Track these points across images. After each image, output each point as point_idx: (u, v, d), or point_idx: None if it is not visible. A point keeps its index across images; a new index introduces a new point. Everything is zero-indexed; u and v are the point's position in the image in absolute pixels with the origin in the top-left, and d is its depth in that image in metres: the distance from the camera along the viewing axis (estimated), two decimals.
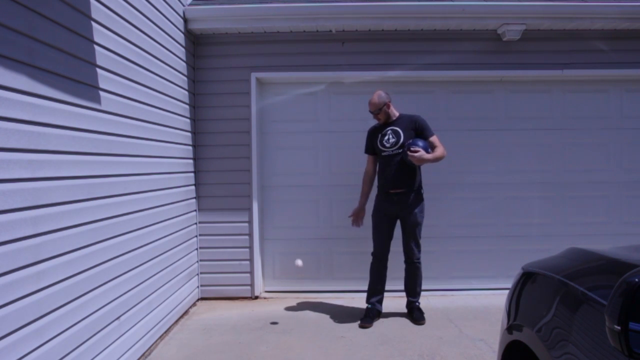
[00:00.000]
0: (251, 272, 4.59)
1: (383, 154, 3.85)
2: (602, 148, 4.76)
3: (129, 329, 3.05)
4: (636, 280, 1.10)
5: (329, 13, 4.35)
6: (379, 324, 3.85)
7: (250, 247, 4.57)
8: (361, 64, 4.58)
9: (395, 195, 3.80)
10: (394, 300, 4.32)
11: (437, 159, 3.73)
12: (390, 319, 3.98)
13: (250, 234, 4.56)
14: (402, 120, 3.86)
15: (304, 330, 3.74)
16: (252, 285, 4.60)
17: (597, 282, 1.55)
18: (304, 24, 4.40)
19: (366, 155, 4.07)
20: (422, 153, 3.60)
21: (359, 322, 3.85)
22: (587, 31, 4.57)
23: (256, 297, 4.60)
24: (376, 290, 3.98)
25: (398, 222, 3.95)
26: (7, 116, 1.97)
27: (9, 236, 1.96)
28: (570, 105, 4.75)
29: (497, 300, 4.28)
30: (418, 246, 3.88)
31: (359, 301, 4.31)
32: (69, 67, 2.42)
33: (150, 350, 3.38)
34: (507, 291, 2.06)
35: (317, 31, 4.51)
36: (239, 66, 4.58)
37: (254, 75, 4.56)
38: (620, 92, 4.75)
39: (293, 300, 4.53)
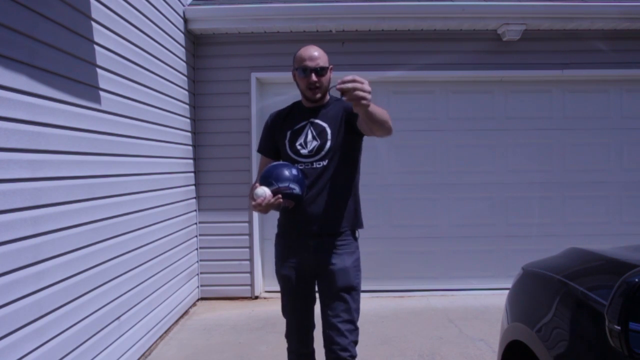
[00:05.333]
0: (251, 272, 4.59)
1: (296, 165, 2.05)
2: (602, 148, 4.76)
3: (129, 329, 3.04)
4: (636, 280, 1.10)
5: (329, 13, 4.35)
6: (380, 324, 3.85)
7: (250, 247, 4.57)
8: (361, 64, 4.58)
9: (315, 241, 2.05)
10: (394, 300, 4.32)
11: (384, 121, 1.83)
12: (390, 318, 3.98)
13: (250, 234, 4.56)
14: (332, 108, 2.12)
15: None
16: (252, 285, 4.60)
17: (597, 282, 1.56)
18: (304, 24, 4.40)
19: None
20: (358, 84, 1.63)
21: None
22: (587, 31, 4.57)
23: (256, 297, 4.60)
24: None
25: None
26: (7, 116, 1.97)
27: (9, 236, 1.96)
28: (570, 105, 4.75)
29: (497, 300, 4.28)
30: (352, 330, 2.04)
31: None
32: (69, 67, 2.42)
33: (150, 350, 3.38)
34: (507, 291, 2.06)
35: (317, 31, 4.51)
36: (239, 66, 4.58)
37: (254, 75, 4.56)
38: (620, 92, 4.75)
39: None
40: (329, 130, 2.08)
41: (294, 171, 1.95)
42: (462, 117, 4.73)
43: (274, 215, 2.23)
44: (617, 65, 4.60)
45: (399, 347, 3.36)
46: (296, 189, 1.93)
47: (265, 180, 1.91)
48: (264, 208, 1.86)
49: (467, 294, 4.61)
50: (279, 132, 2.15)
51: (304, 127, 2.11)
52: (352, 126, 2.04)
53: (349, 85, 1.61)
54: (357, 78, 1.62)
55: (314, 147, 2.06)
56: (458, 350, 3.29)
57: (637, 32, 4.56)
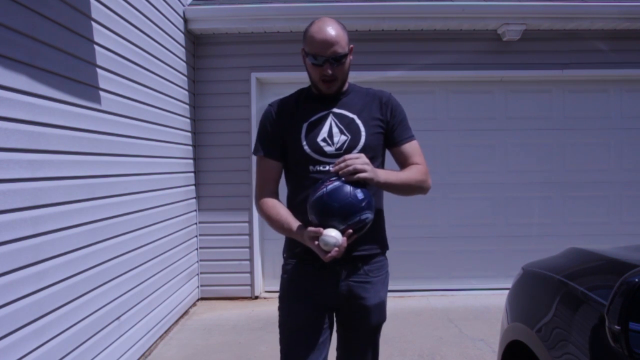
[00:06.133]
0: (251, 272, 4.58)
1: (316, 168, 1.62)
2: (602, 148, 4.76)
3: (129, 329, 3.04)
4: (636, 280, 1.10)
5: (329, 13, 4.34)
6: None
7: (250, 247, 4.57)
8: (361, 64, 4.56)
9: (345, 269, 1.64)
10: (394, 300, 4.32)
11: (409, 186, 1.65)
12: (390, 318, 3.97)
13: (250, 234, 4.56)
14: (355, 96, 1.72)
15: None
16: (252, 285, 4.60)
17: (597, 282, 1.56)
18: (304, 24, 4.33)
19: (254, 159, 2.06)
20: (360, 164, 1.49)
21: None
22: (587, 31, 4.57)
23: (256, 297, 4.60)
24: None
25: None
26: (7, 116, 1.97)
27: (9, 236, 1.96)
28: (570, 105, 4.75)
29: (497, 300, 4.28)
30: None
31: None
32: (69, 67, 2.42)
33: (150, 350, 3.38)
34: (507, 291, 2.06)
35: None
36: (239, 66, 4.58)
37: (254, 75, 4.56)
38: (620, 92, 4.75)
39: None
40: (359, 123, 1.64)
41: (359, 194, 1.44)
42: (462, 117, 4.73)
43: None
44: (617, 65, 4.60)
45: (399, 347, 3.36)
46: (369, 215, 1.47)
47: (326, 218, 1.44)
48: (340, 256, 1.44)
49: (467, 294, 4.61)
50: (290, 126, 1.65)
51: (323, 119, 1.64)
52: (388, 138, 1.70)
53: (342, 165, 1.47)
54: (348, 156, 1.49)
55: (343, 143, 1.60)
56: (458, 350, 3.29)
57: (637, 32, 4.55)
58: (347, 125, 1.63)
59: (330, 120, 1.65)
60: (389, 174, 1.57)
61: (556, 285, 1.64)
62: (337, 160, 1.50)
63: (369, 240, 1.63)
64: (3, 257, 1.93)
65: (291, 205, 1.66)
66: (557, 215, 4.75)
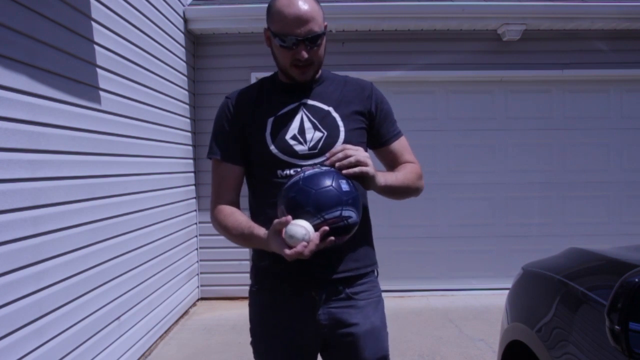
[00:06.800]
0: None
1: (285, 172, 1.32)
2: (602, 148, 4.76)
3: (129, 329, 3.04)
4: (636, 280, 1.10)
5: (329, 13, 4.29)
6: None
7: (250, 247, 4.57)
8: (361, 64, 4.58)
9: (324, 293, 1.32)
10: (394, 301, 4.32)
11: (408, 188, 1.39)
12: (391, 318, 3.97)
13: None
14: (330, 85, 1.42)
15: None
16: None
17: (597, 282, 1.55)
18: None
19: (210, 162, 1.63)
20: (363, 157, 1.22)
21: None
22: (587, 31, 4.57)
23: None
24: None
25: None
26: (7, 116, 1.96)
27: (9, 236, 1.96)
28: (570, 105, 4.75)
29: (497, 300, 4.28)
30: None
31: None
32: (69, 67, 2.42)
33: (150, 350, 3.38)
34: (507, 291, 2.06)
35: None
36: (239, 66, 4.58)
37: (254, 75, 4.55)
38: (620, 92, 4.75)
39: None
40: (336, 116, 1.35)
41: (344, 185, 1.16)
42: (462, 117, 4.73)
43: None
44: (617, 65, 4.60)
45: (399, 347, 3.36)
46: (352, 215, 1.16)
47: (297, 207, 1.13)
48: (308, 256, 1.11)
49: (467, 294, 4.61)
50: (252, 122, 1.36)
51: (293, 112, 1.34)
52: (374, 136, 1.42)
53: (340, 155, 1.19)
54: (348, 146, 1.21)
55: (318, 141, 1.31)
56: (458, 350, 3.29)
57: (637, 32, 4.55)
58: (322, 120, 1.33)
59: (301, 113, 1.34)
60: (386, 175, 1.32)
61: (556, 285, 1.64)
62: (332, 150, 1.22)
63: (354, 257, 1.33)
64: (3, 257, 1.92)
65: (255, 220, 1.32)
66: (557, 215, 4.75)
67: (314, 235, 1.11)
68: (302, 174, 1.17)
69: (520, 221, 4.75)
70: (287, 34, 1.23)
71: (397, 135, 1.45)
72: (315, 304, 1.31)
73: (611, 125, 4.75)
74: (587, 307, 1.41)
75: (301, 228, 1.09)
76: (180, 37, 4.18)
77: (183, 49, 4.24)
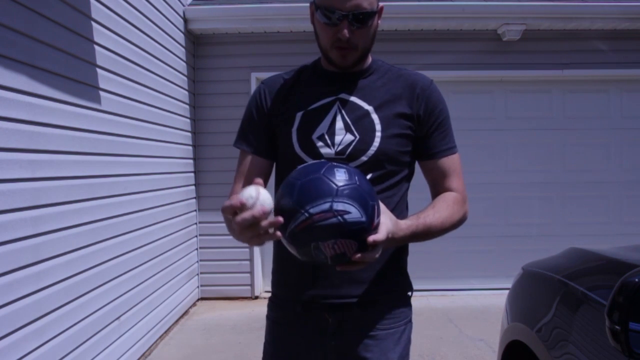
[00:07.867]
0: (251, 272, 4.58)
1: None
2: (602, 148, 4.76)
3: (129, 329, 3.04)
4: (636, 280, 1.10)
5: None
6: None
7: (250, 247, 4.57)
8: None
9: (337, 316, 1.14)
10: None
11: (443, 230, 1.29)
12: None
13: None
14: (378, 78, 1.21)
15: None
16: (252, 285, 4.59)
17: (597, 282, 1.55)
18: (304, 24, 4.39)
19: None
20: (381, 235, 0.92)
21: None
22: (587, 31, 4.56)
23: (256, 297, 4.60)
24: None
25: None
26: (7, 116, 1.96)
27: (9, 236, 1.96)
28: (570, 105, 4.75)
29: (497, 300, 4.28)
30: None
31: None
32: (69, 67, 2.42)
33: (150, 350, 3.38)
34: (507, 291, 2.06)
35: None
36: (239, 66, 4.58)
37: (254, 75, 4.56)
38: (620, 92, 4.75)
39: None
40: (375, 118, 1.14)
41: (340, 173, 0.91)
42: (462, 117, 4.71)
43: None
44: (617, 65, 4.60)
45: None
46: (350, 209, 0.88)
47: (280, 203, 0.92)
48: (246, 221, 0.85)
49: (467, 294, 4.61)
50: (281, 113, 1.20)
51: (327, 107, 1.16)
52: (420, 146, 1.20)
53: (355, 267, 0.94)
54: (363, 257, 0.91)
55: (347, 146, 1.12)
56: (458, 350, 3.29)
57: (637, 32, 4.55)
58: (357, 121, 1.13)
59: (335, 110, 1.15)
60: (411, 224, 1.06)
61: (556, 285, 1.64)
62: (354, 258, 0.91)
63: (381, 275, 1.12)
64: (3, 257, 1.92)
65: None
66: (557, 215, 4.75)
67: (265, 199, 0.86)
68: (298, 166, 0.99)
69: (520, 221, 4.75)
70: (331, 8, 1.04)
71: (446, 151, 1.24)
72: (325, 329, 1.13)
73: (611, 125, 4.75)
74: (587, 307, 1.41)
75: (250, 190, 0.88)
76: (180, 37, 4.18)
77: (183, 49, 4.24)
